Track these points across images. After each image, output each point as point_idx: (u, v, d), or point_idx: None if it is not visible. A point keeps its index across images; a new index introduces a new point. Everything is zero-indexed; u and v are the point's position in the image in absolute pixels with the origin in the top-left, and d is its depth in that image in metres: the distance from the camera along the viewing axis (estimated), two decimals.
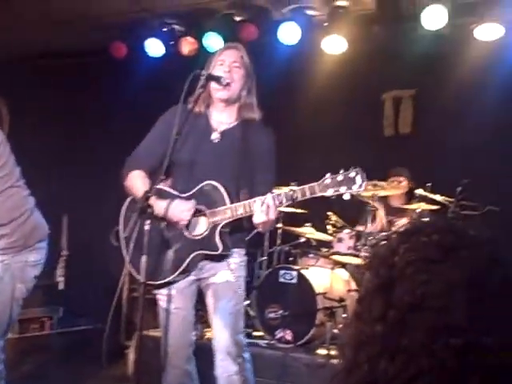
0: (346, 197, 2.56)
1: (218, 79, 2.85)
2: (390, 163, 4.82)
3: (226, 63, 2.91)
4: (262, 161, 2.88)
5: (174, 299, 2.87)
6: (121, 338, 4.83)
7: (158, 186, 2.76)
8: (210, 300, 2.89)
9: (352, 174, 2.54)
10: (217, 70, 2.90)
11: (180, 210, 2.80)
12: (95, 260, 5.44)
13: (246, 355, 2.88)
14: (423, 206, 4.41)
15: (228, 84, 2.86)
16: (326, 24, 5.14)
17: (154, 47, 5.71)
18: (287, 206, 3.68)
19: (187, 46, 5.68)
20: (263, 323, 4.44)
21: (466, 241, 0.95)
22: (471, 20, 4.74)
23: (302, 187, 2.63)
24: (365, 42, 5.13)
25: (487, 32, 4.69)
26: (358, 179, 2.53)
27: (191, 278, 2.87)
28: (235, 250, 2.87)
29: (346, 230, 4.59)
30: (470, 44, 4.84)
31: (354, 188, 2.52)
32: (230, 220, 2.75)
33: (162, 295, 2.90)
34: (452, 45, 4.92)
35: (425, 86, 5.19)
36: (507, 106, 4.72)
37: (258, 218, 2.63)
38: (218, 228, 2.76)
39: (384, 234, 4.38)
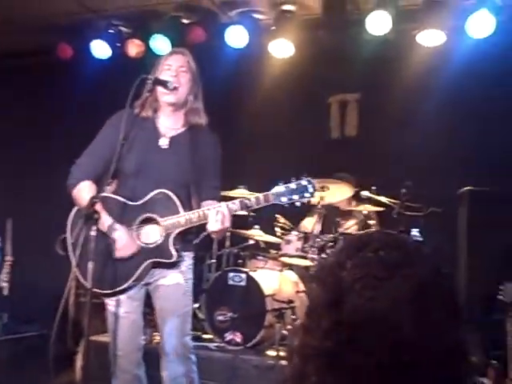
0: (298, 204, 2.65)
1: (164, 83, 2.85)
2: (336, 165, 4.89)
3: (173, 68, 2.92)
4: (209, 167, 2.91)
5: (122, 303, 2.85)
6: (68, 343, 4.75)
7: (105, 194, 2.73)
8: (158, 302, 2.88)
9: (304, 183, 2.68)
10: (164, 74, 2.91)
11: (122, 243, 2.77)
12: (40, 265, 5.33)
13: (193, 357, 2.89)
14: (369, 207, 4.51)
15: (175, 88, 2.86)
16: (273, 28, 5.20)
17: (100, 49, 5.65)
18: None
19: (134, 47, 5.63)
20: (212, 326, 4.44)
21: (411, 257, 0.97)
22: (414, 26, 4.87)
23: (256, 196, 2.70)
24: (311, 46, 5.20)
25: (429, 38, 4.82)
26: (310, 188, 2.68)
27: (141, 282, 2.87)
28: (185, 253, 2.88)
29: (294, 232, 4.64)
30: (413, 49, 4.97)
31: (307, 196, 2.67)
32: (184, 228, 2.75)
33: (110, 300, 2.87)
34: (396, 50, 5.05)
35: (370, 90, 5.30)
36: (449, 109, 4.87)
37: (213, 226, 2.67)
38: (172, 236, 2.76)
39: (331, 236, 4.45)
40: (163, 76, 2.89)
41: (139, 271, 2.78)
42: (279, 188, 2.66)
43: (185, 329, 2.87)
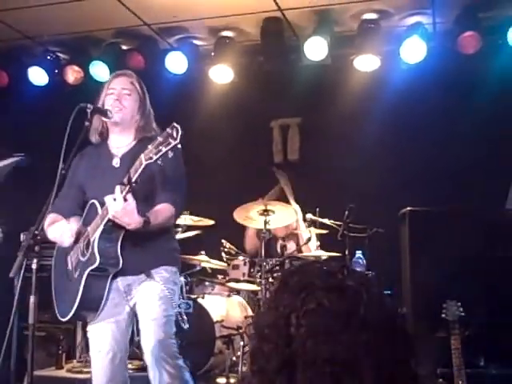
0: (170, 154, 2.56)
1: (104, 113, 2.84)
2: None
3: (116, 92, 2.91)
4: (161, 173, 2.84)
5: (104, 336, 2.81)
6: (11, 378, 4.58)
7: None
8: (139, 308, 2.84)
9: (169, 131, 2.55)
10: (108, 99, 2.90)
11: (62, 232, 2.81)
12: None
13: (181, 362, 2.83)
14: (313, 230, 4.57)
15: (120, 111, 2.87)
16: (212, 54, 5.23)
17: (38, 75, 5.54)
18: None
19: (72, 74, 5.55)
20: None
21: (361, 302, 0.93)
22: (350, 51, 5.01)
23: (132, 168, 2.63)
24: (251, 72, 5.27)
25: (365, 63, 4.97)
26: (174, 133, 2.54)
27: (127, 309, 2.84)
28: (162, 267, 2.87)
29: (241, 257, 4.65)
30: (350, 74, 5.12)
31: (172, 142, 2.52)
32: (101, 228, 2.72)
33: (92, 332, 2.85)
34: (334, 74, 5.17)
35: (311, 114, 5.40)
36: (386, 130, 5.01)
37: (110, 210, 2.62)
38: (93, 240, 2.74)
39: (277, 259, 4.48)
40: (107, 101, 2.89)
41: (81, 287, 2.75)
42: (148, 149, 2.56)
43: (167, 331, 2.80)
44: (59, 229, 2.84)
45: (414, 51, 4.73)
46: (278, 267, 4.37)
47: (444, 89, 4.85)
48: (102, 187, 2.79)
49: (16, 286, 2.76)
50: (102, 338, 2.83)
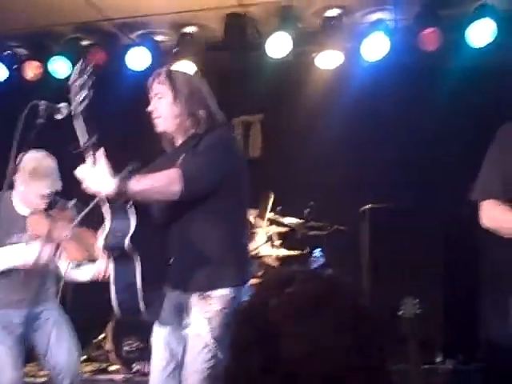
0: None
1: (56, 110, 2.76)
2: None
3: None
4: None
5: None
6: None
7: None
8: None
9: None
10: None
11: None
12: None
13: None
14: (273, 228, 4.55)
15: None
16: (175, 50, 5.16)
17: None
18: None
19: (31, 70, 5.43)
20: (120, 356, 4.31)
21: (334, 290, 0.98)
22: (313, 48, 4.99)
23: None
24: (214, 68, 5.20)
25: (328, 59, 4.95)
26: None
27: None
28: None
29: None
30: (313, 70, 5.09)
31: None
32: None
33: None
34: (297, 71, 5.14)
35: (273, 111, 5.36)
36: (348, 127, 4.98)
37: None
38: None
39: None
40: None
41: None
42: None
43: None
44: None
45: (377, 48, 4.72)
46: None
47: (406, 85, 4.85)
48: None
49: None
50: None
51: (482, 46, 4.48)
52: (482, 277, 4.31)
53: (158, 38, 5.27)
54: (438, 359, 3.99)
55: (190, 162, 2.51)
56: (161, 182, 2.41)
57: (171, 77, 2.70)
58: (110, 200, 2.40)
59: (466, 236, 4.06)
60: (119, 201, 2.40)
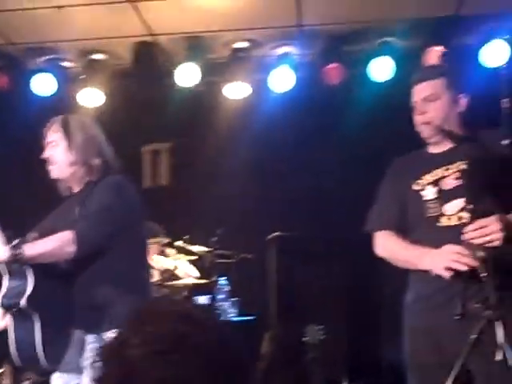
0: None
1: None
2: (149, 215, 4.84)
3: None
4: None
5: None
6: None
7: None
8: None
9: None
10: None
11: None
12: None
13: None
14: (182, 257, 4.52)
15: None
16: (82, 76, 5.09)
17: None
18: None
19: None
20: None
21: (194, 326, 0.96)
22: (222, 78, 5.06)
23: None
24: (122, 96, 5.17)
25: (236, 90, 5.03)
26: None
27: None
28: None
29: None
30: (222, 100, 5.14)
31: None
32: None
33: None
34: (206, 101, 5.19)
35: (182, 140, 5.37)
36: (256, 157, 5.06)
37: None
38: None
39: None
40: None
41: None
42: None
43: None
44: None
45: (283, 80, 4.85)
46: None
47: (313, 118, 4.99)
48: None
49: None
50: None
51: (383, 81, 4.71)
52: (383, 304, 4.47)
53: (65, 64, 5.18)
54: (345, 383, 4.08)
55: (83, 219, 2.58)
56: (55, 246, 2.47)
57: (66, 125, 2.74)
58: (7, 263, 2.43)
59: (369, 264, 4.18)
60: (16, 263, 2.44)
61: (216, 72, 5.06)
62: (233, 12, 4.49)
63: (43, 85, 5.06)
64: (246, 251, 4.50)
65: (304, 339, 3.44)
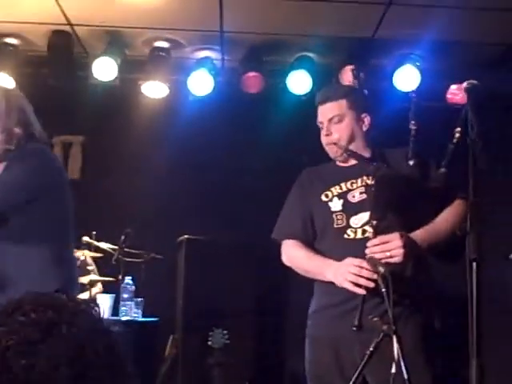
0: None
1: None
2: None
3: None
4: None
5: None
6: None
7: None
8: None
9: None
10: None
11: None
12: None
13: None
14: (87, 253, 4.43)
15: None
16: None
17: None
18: None
19: None
20: None
21: (65, 315, 0.94)
22: (140, 76, 5.00)
23: None
24: (34, 84, 4.98)
25: (154, 89, 4.99)
26: None
27: None
28: None
29: None
30: (139, 98, 5.08)
31: None
32: None
33: None
34: (122, 97, 5.10)
35: (96, 134, 5.25)
36: (172, 156, 5.01)
37: None
38: None
39: None
40: None
41: None
42: None
43: None
44: None
45: (201, 84, 4.85)
46: None
47: (229, 124, 5.04)
48: None
49: None
50: None
51: (301, 94, 4.82)
52: (289, 311, 4.58)
53: None
54: None
55: None
56: None
57: None
58: None
59: (278, 271, 4.28)
60: None
61: (134, 69, 5.00)
62: (156, 10, 4.44)
63: None
64: (157, 251, 4.48)
65: (208, 343, 3.47)
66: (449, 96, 4.77)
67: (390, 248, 2.36)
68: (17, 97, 2.77)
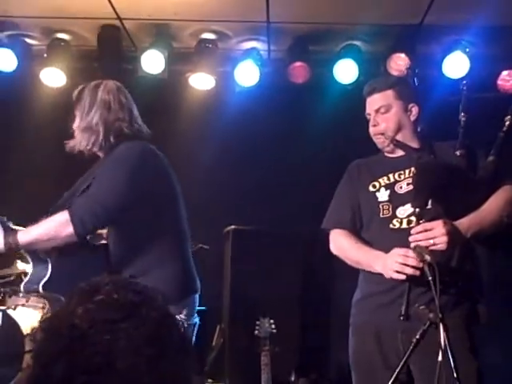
0: None
1: None
2: None
3: None
4: None
5: None
6: None
7: None
8: None
9: None
10: None
11: None
12: None
13: None
14: None
15: None
16: (45, 55, 5.01)
17: None
18: None
19: None
20: None
21: (145, 298, 1.00)
22: (187, 68, 5.05)
23: None
24: (84, 78, 5.09)
25: (200, 81, 5.03)
26: None
27: None
28: None
29: None
30: (186, 90, 5.14)
31: None
32: None
33: None
34: (170, 89, 5.16)
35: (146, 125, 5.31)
36: (220, 148, 5.04)
37: None
38: None
39: None
40: None
41: None
42: None
43: None
44: None
45: (248, 75, 4.87)
46: None
47: (276, 114, 5.04)
48: None
49: None
50: None
51: (348, 83, 4.78)
52: (334, 300, 4.57)
53: (29, 40, 5.08)
54: (292, 378, 4.15)
55: (81, 195, 2.54)
56: (49, 229, 2.41)
57: (82, 90, 2.96)
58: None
59: (323, 260, 4.28)
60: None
61: (181, 61, 5.05)
62: (202, 2, 4.48)
63: (4, 61, 4.95)
64: (202, 242, 4.53)
65: (255, 332, 3.50)
66: (500, 82, 4.65)
67: (433, 235, 2.34)
68: (123, 93, 2.95)
